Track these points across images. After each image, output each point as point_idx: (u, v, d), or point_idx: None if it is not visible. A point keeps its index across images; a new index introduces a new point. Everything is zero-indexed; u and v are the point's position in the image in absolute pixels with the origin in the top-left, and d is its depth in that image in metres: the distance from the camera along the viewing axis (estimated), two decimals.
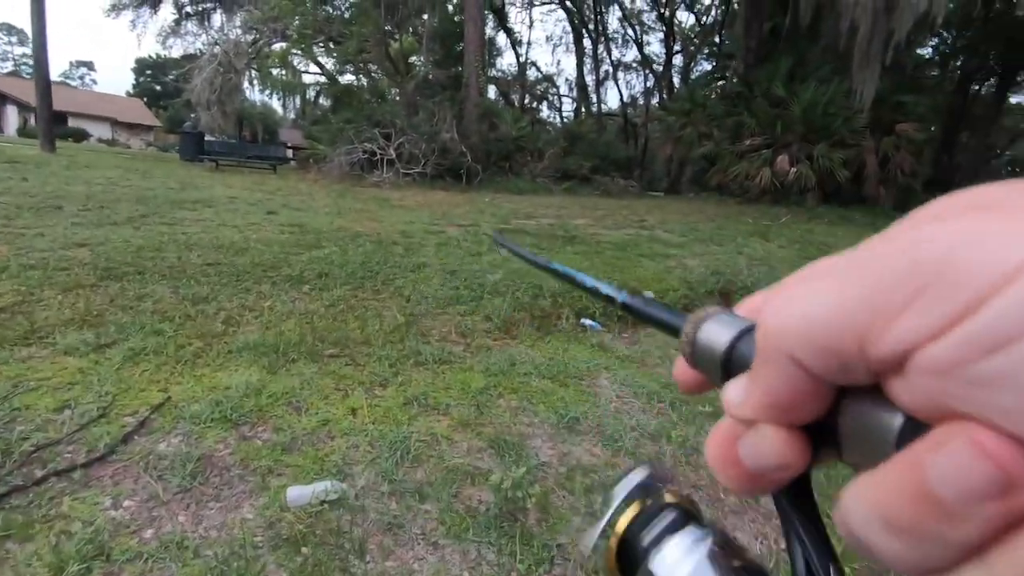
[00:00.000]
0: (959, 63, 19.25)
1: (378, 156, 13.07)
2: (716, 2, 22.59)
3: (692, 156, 15.33)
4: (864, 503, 0.14)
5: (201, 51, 19.78)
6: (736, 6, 18.91)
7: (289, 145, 23.75)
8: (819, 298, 0.15)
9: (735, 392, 0.18)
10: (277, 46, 18.94)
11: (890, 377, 0.14)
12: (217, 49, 17.75)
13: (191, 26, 21.59)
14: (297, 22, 16.86)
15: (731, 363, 0.19)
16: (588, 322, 3.50)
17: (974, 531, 0.12)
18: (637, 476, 0.27)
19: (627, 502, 0.27)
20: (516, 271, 4.24)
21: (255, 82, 21.89)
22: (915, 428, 0.13)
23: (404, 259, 4.65)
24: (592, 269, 4.56)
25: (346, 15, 18.24)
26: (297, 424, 2.03)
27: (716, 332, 0.20)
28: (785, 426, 0.17)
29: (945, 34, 18.13)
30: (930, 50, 19.26)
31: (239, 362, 2.50)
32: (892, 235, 0.14)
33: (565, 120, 28.29)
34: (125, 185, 7.81)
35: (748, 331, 0.19)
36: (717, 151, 14.00)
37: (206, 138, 16.81)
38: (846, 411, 0.15)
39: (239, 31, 18.61)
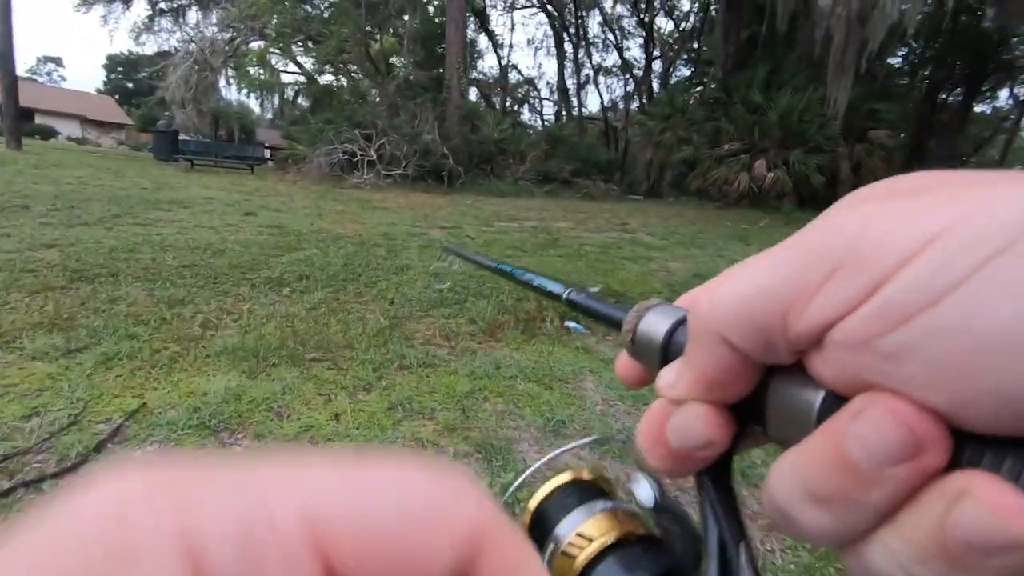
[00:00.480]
0: (927, 73, 19.84)
1: (358, 157, 12.95)
2: (695, 9, 22.94)
3: (672, 160, 15.49)
4: (788, 477, 0.14)
5: (176, 48, 19.43)
6: (714, 13, 19.23)
7: (267, 145, 23.40)
8: (747, 282, 0.15)
9: (669, 375, 0.19)
10: (255, 44, 18.71)
11: (811, 353, 0.14)
12: (192, 47, 17.44)
13: (165, 23, 21.16)
14: (275, 21, 16.66)
15: (669, 351, 0.20)
16: (572, 324, 3.50)
17: (888, 494, 0.13)
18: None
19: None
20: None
21: (232, 81, 21.53)
22: (835, 402, 0.14)
23: (386, 261, 4.60)
24: (576, 272, 4.57)
25: (325, 15, 18.08)
26: (279, 430, 1.99)
27: (655, 322, 0.21)
28: (712, 403, 0.17)
29: (914, 44, 18.67)
30: (900, 59, 19.82)
31: (218, 367, 2.43)
32: (813, 223, 0.15)
33: (546, 123, 28.43)
34: (96, 184, 7.60)
35: (685, 320, 0.20)
36: (696, 156, 14.20)
37: (180, 137, 16.47)
38: (772, 389, 0.16)
39: (215, 29, 18.31)
